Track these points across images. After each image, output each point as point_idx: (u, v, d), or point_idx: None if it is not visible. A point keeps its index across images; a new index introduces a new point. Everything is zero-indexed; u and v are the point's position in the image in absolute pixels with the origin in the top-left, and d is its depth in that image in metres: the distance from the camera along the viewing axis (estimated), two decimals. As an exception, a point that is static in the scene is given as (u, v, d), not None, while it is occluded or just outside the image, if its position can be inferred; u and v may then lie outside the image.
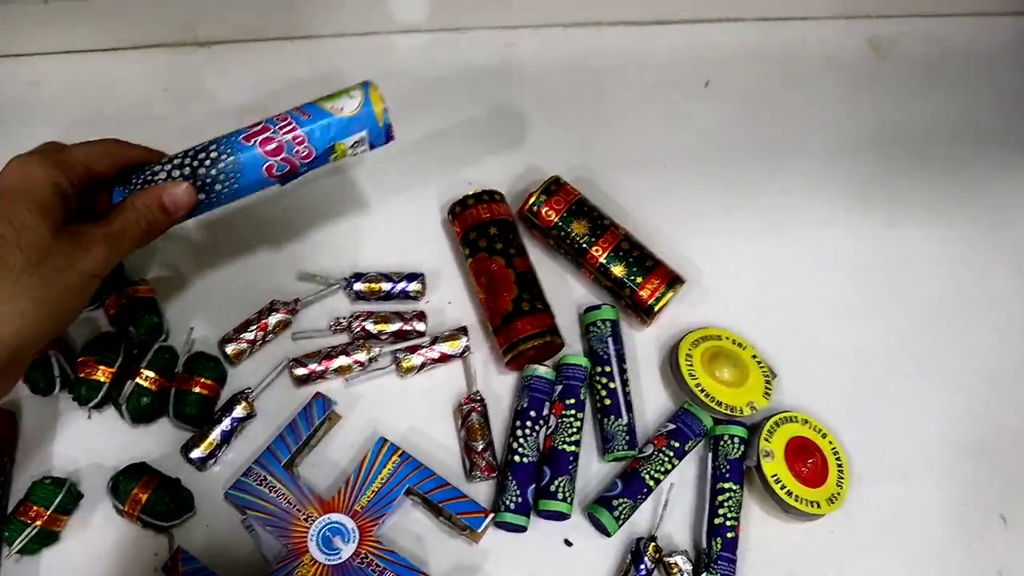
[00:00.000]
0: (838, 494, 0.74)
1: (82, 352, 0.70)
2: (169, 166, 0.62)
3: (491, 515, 0.68)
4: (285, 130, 0.63)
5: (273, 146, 0.63)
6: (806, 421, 0.77)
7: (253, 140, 0.63)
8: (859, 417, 0.80)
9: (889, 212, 0.91)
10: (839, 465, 0.76)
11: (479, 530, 0.67)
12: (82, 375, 0.69)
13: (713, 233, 0.87)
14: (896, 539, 0.76)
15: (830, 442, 0.77)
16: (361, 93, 0.65)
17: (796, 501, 0.72)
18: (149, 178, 0.62)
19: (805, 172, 0.92)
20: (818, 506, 0.73)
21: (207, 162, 0.62)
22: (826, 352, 0.83)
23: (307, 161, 0.65)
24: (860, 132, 0.95)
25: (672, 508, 0.73)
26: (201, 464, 0.69)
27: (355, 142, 0.66)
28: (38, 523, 0.65)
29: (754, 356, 0.79)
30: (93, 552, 0.68)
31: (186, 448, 0.70)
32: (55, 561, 0.67)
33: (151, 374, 0.70)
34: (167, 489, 0.67)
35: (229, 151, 0.62)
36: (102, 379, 0.69)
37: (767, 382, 0.77)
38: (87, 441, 0.71)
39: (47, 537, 0.66)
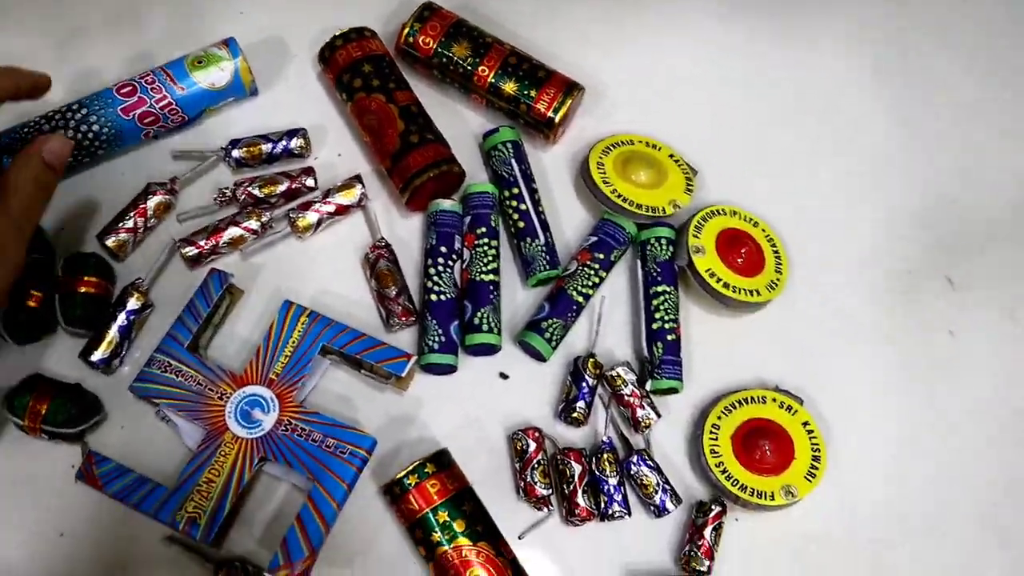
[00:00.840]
0: (778, 280, 0.71)
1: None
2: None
3: (414, 357, 0.64)
4: (161, 103, 0.70)
5: (150, 119, 0.70)
6: (735, 212, 0.73)
7: (131, 113, 0.69)
8: (791, 204, 0.76)
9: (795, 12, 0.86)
10: (775, 251, 0.72)
11: (403, 374, 0.63)
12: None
13: (613, 44, 0.82)
14: (843, 315, 0.73)
15: (763, 230, 0.73)
16: (232, 66, 0.71)
17: (734, 292, 0.69)
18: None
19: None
20: (758, 294, 0.69)
21: (90, 135, 0.68)
22: (749, 149, 0.79)
23: (180, 123, 0.72)
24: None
25: (608, 322, 0.70)
26: (105, 366, 0.65)
27: (223, 104, 0.74)
28: (-63, 455, 0.60)
29: (671, 156, 0.74)
30: (8, 477, 0.63)
31: (85, 353, 0.65)
32: (-29, 493, 0.63)
33: (29, 291, 0.65)
34: (66, 395, 0.62)
35: (109, 124, 0.69)
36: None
37: (688, 179, 0.73)
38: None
39: (-47, 468, 0.62)
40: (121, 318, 0.65)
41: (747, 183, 0.76)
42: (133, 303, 0.66)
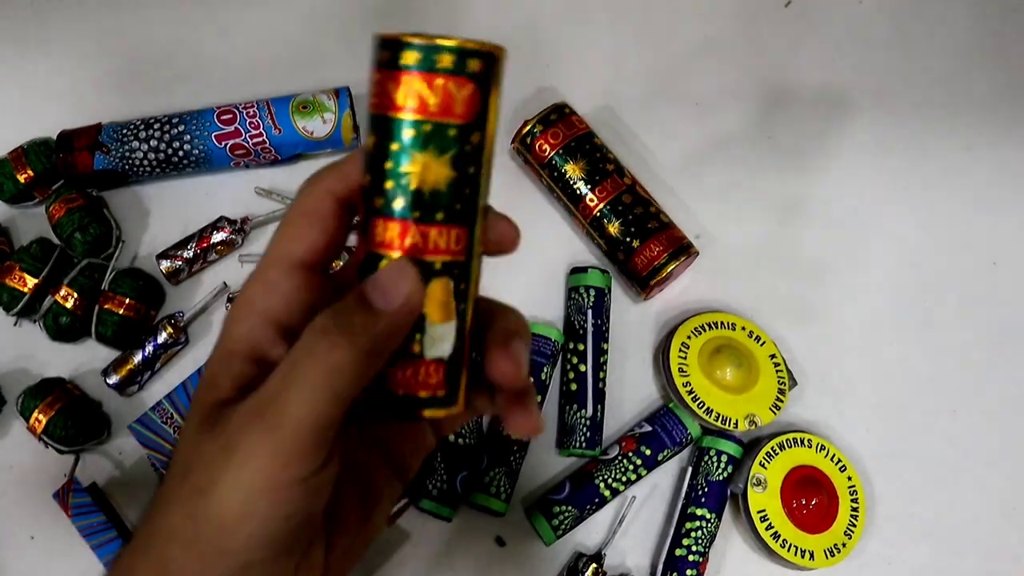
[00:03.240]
0: (842, 546, 0.60)
1: (14, 255, 0.65)
2: (146, 146, 0.66)
3: (404, 500, 0.59)
4: (255, 139, 0.67)
5: (242, 151, 0.67)
6: (823, 447, 0.62)
7: (224, 142, 0.67)
8: (901, 456, 0.65)
9: (972, 201, 0.72)
10: (854, 510, 0.61)
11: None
12: (7, 281, 0.64)
13: (752, 203, 0.71)
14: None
15: (849, 478, 0.61)
16: (334, 119, 0.67)
17: (783, 547, 0.58)
18: (127, 155, 0.66)
19: (886, 138, 0.73)
20: (811, 557, 0.59)
21: (180, 152, 0.67)
22: (875, 370, 0.67)
23: (271, 162, 0.70)
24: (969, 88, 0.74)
25: (634, 526, 0.62)
26: (120, 389, 0.64)
27: (320, 153, 0.70)
28: (-49, 423, 0.61)
29: (772, 356, 0.63)
30: (5, 460, 0.64)
31: (105, 372, 0.64)
32: (-31, 463, 0.64)
33: (73, 293, 0.64)
34: (72, 412, 0.62)
35: (201, 147, 0.67)
36: (24, 289, 0.63)
37: (780, 392, 0.62)
38: (18, 347, 0.66)
39: (-39, 439, 0.63)
40: (148, 348, 0.64)
41: (856, 415, 0.65)
42: (163, 336, 0.64)
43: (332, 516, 0.32)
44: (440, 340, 0.30)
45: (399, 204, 0.29)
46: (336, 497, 0.31)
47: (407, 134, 0.29)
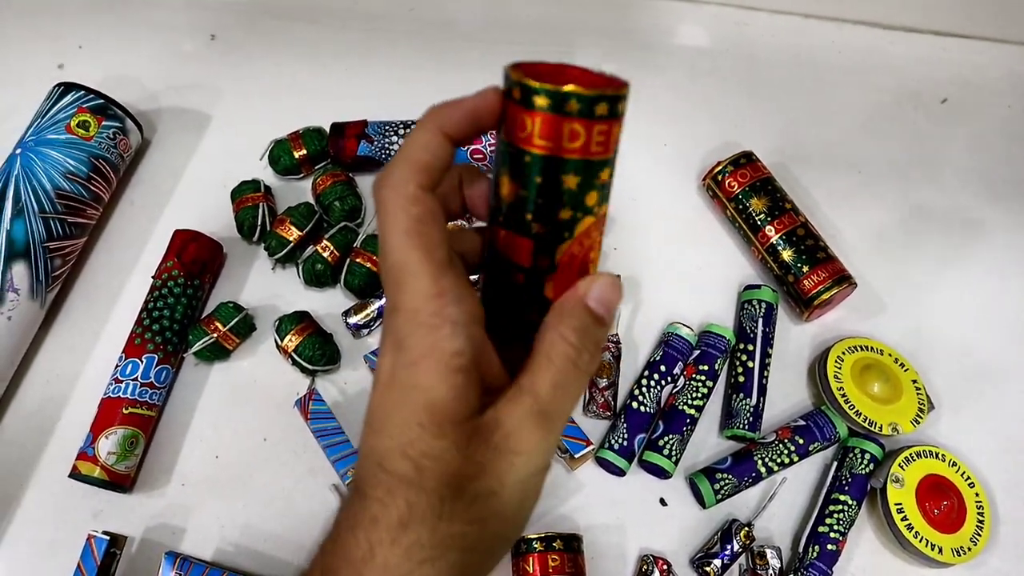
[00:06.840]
0: (968, 549, 0.68)
1: (285, 211, 0.80)
2: (402, 141, 0.77)
3: (593, 446, 0.69)
4: (492, 147, 0.80)
5: (479, 156, 0.82)
6: (954, 463, 0.71)
7: (466, 146, 0.80)
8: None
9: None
10: (980, 519, 0.69)
11: (576, 456, 0.69)
12: (276, 230, 0.79)
13: (905, 255, 0.82)
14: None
15: (976, 494, 0.70)
16: None
17: (915, 538, 0.67)
18: (387, 146, 0.80)
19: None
20: (940, 552, 0.67)
21: None
22: (1008, 409, 0.76)
23: None
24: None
25: (779, 503, 0.71)
26: (356, 330, 0.76)
27: None
28: (214, 336, 0.74)
29: (914, 381, 0.74)
30: (251, 374, 0.76)
31: (347, 313, 0.77)
32: (220, 374, 0.76)
33: (331, 246, 0.78)
34: (318, 338, 0.74)
35: None
36: (290, 238, 0.78)
37: (920, 410, 0.72)
38: (272, 288, 0.80)
39: (220, 351, 0.75)
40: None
41: (989, 442, 0.74)
42: (399, 292, 0.77)
43: None
44: None
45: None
46: None
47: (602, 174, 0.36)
